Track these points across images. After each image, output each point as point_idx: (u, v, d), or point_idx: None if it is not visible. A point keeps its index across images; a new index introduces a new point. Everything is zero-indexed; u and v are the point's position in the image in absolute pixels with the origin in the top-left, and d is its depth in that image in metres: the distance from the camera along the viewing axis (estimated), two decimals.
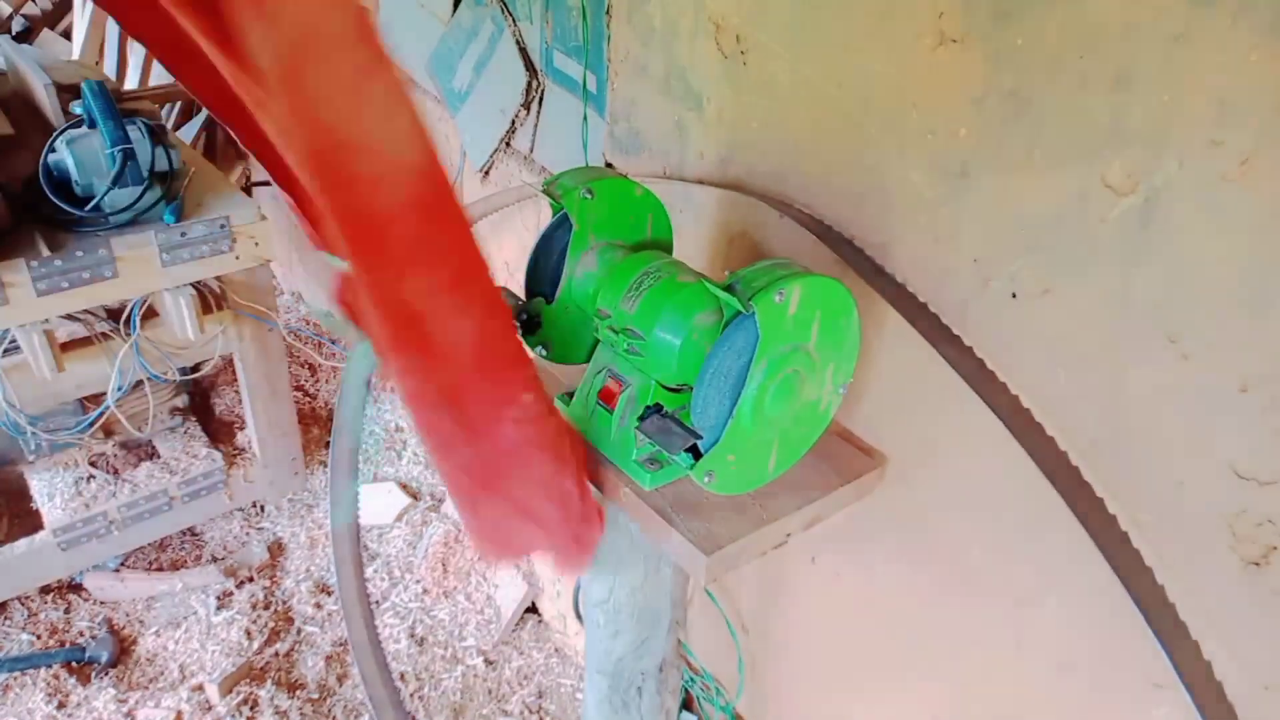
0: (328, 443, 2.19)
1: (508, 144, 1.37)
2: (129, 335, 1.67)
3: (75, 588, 1.90)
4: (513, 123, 1.33)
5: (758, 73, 0.87)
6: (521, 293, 0.85)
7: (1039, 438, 0.71)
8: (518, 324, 0.82)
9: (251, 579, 1.94)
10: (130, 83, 2.64)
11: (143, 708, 1.66)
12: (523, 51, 1.27)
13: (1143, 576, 0.65)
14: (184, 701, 1.66)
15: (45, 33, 2.93)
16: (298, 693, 1.71)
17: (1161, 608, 0.64)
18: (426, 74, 1.51)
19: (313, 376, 2.48)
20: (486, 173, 1.44)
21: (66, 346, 1.65)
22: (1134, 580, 0.65)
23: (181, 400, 2.08)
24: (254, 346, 1.87)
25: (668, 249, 0.88)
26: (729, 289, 0.65)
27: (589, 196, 0.79)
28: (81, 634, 1.80)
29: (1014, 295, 0.71)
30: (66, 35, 2.94)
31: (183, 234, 1.60)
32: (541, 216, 1.38)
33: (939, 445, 0.82)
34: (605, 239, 0.83)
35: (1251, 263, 0.57)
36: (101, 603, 1.88)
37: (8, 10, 2.86)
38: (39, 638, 1.78)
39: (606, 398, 0.81)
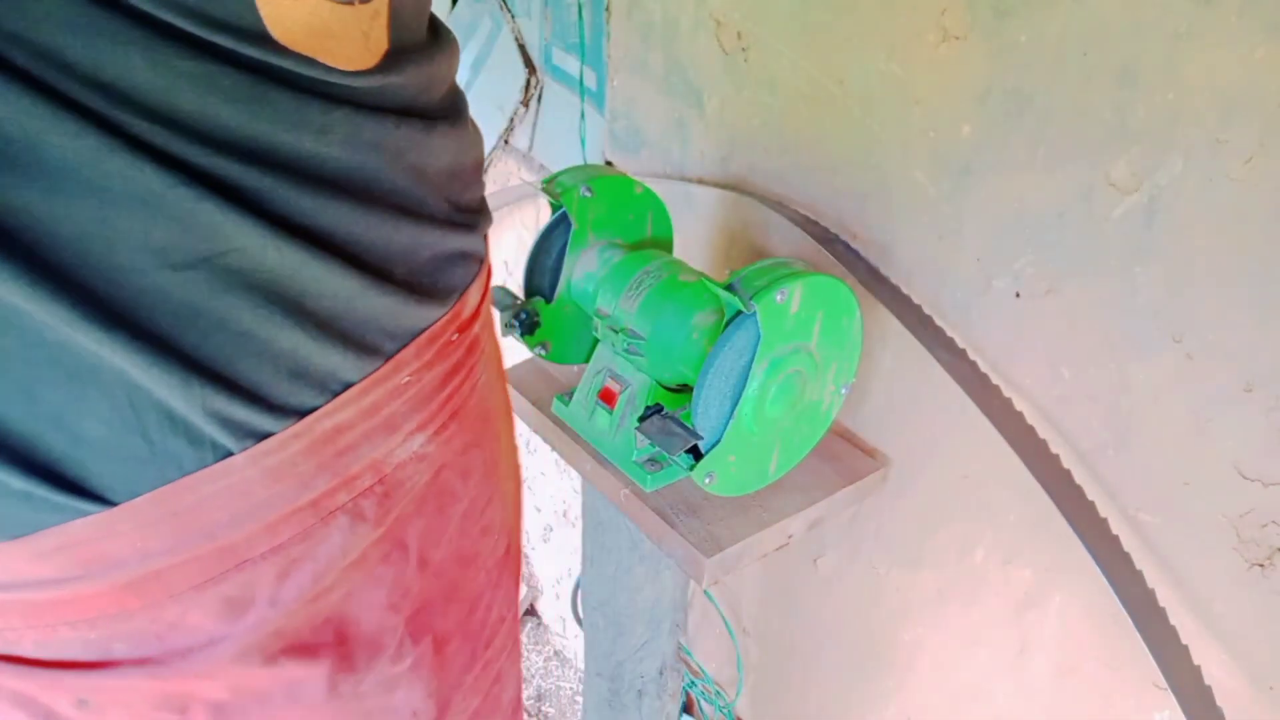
0: None
1: (506, 141, 1.37)
2: None
3: None
4: (511, 120, 1.32)
5: (759, 70, 0.87)
6: (520, 292, 0.84)
7: (1031, 441, 0.70)
8: (516, 324, 0.81)
9: None
10: None
11: None
12: (521, 48, 1.26)
13: (1132, 580, 0.65)
14: None
15: None
16: None
17: (1151, 611, 0.64)
18: None
19: None
20: (485, 171, 1.44)
21: None
22: (1123, 584, 0.65)
23: None
24: None
25: (668, 248, 0.88)
26: (730, 288, 0.65)
27: (588, 195, 0.79)
28: None
29: (1017, 294, 0.71)
30: None
31: None
32: (540, 215, 1.38)
33: (942, 447, 0.82)
34: (605, 238, 0.82)
35: (1256, 262, 0.57)
36: None
37: None
38: None
39: (606, 398, 0.80)
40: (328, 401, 0.45)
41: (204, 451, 0.42)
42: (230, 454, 0.43)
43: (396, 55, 0.45)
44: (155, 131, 0.37)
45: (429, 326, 0.50)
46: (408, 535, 0.54)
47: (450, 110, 0.51)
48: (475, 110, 0.56)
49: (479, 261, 0.55)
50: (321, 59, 0.40)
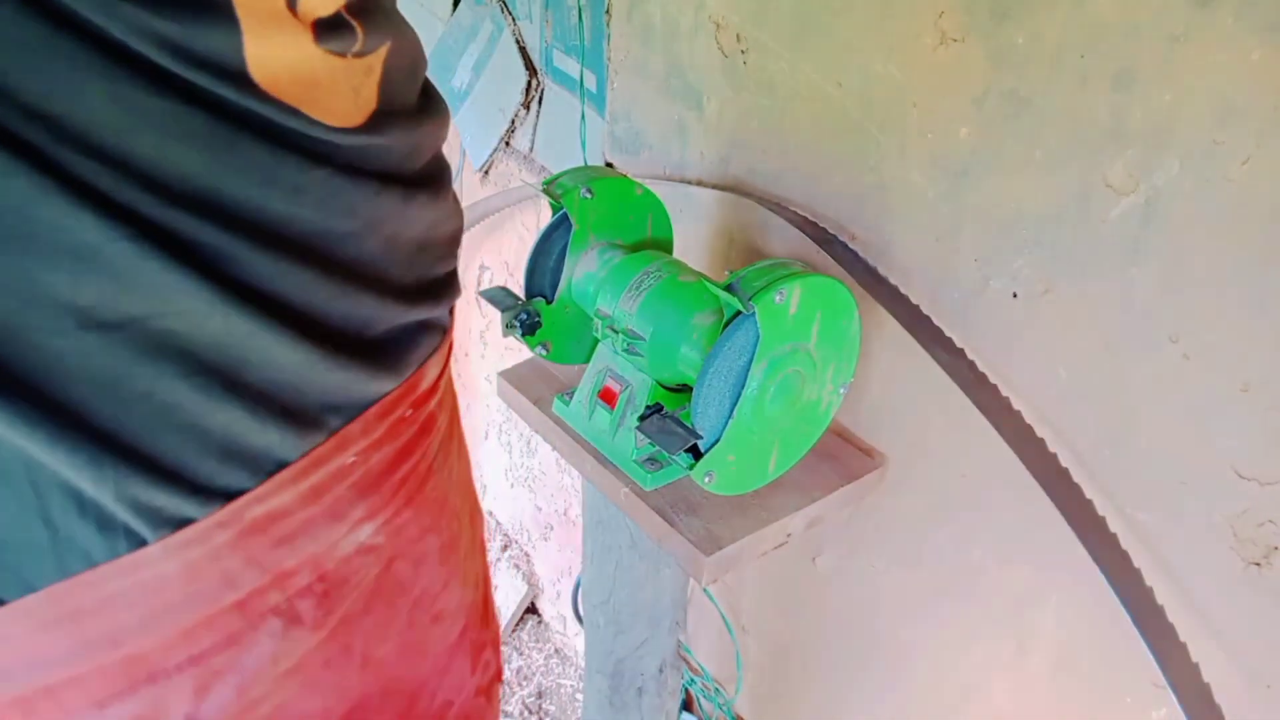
0: None
1: (507, 143, 1.37)
2: None
3: None
4: (512, 122, 1.32)
5: (758, 72, 0.87)
6: (521, 293, 0.85)
7: (1029, 440, 0.71)
8: (518, 325, 0.82)
9: None
10: None
11: None
12: (522, 51, 1.26)
13: (1130, 579, 0.66)
14: None
15: None
16: None
17: (1149, 608, 0.65)
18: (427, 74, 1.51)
19: None
20: (486, 172, 1.44)
21: None
22: (1122, 582, 0.65)
23: None
24: None
25: (668, 249, 0.88)
26: (729, 289, 0.65)
27: (589, 196, 0.79)
28: None
29: (1015, 295, 0.71)
30: None
31: None
32: (541, 216, 1.38)
33: (939, 445, 0.82)
34: (605, 239, 0.82)
35: (1253, 262, 0.57)
36: None
37: None
38: None
39: (606, 398, 0.80)
40: (260, 483, 0.39)
41: (115, 540, 0.36)
42: (145, 543, 0.36)
43: (384, 116, 0.41)
44: (102, 175, 0.31)
45: (380, 399, 0.44)
46: (353, 638, 0.47)
47: (432, 180, 0.47)
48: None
49: (442, 332, 0.50)
50: (305, 110, 0.36)
